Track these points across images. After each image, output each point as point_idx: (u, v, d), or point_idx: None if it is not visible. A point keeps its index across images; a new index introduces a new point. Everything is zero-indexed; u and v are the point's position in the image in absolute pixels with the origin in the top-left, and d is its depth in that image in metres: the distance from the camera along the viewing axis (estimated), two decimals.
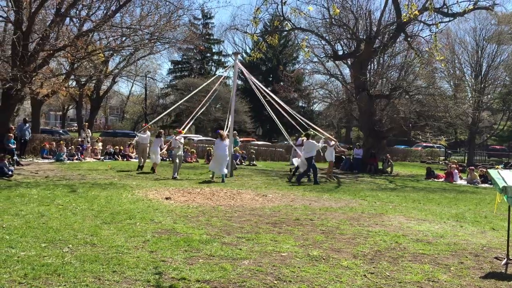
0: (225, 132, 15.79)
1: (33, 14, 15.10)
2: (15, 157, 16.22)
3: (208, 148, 25.54)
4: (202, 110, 19.56)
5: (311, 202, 11.27)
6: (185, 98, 23.19)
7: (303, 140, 17.09)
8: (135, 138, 20.18)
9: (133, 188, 12.00)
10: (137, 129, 55.00)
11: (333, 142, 18.15)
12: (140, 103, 58.62)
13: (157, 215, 8.46)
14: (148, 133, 18.74)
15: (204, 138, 33.15)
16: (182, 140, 16.42)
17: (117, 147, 23.49)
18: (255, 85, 18.59)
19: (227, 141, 15.41)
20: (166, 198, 10.52)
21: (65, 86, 21.69)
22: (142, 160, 17.77)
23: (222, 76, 23.60)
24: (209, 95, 19.52)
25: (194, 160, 24.38)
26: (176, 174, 15.42)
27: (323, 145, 17.85)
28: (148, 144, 18.17)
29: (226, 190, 12.75)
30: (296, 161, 17.19)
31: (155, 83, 54.55)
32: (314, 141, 16.29)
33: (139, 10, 20.59)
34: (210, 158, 23.94)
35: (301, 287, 5.06)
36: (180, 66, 60.58)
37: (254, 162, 24.88)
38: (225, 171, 15.22)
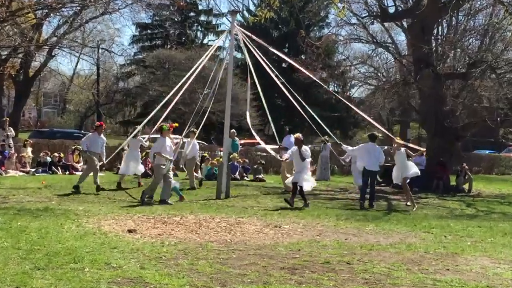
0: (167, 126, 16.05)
1: None
2: None
3: (204, 154, 25.54)
4: (180, 95, 19.50)
5: (348, 236, 11.23)
6: (183, 85, 23.19)
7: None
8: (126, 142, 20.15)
9: (79, 216, 12.00)
10: (85, 126, 55.19)
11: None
12: (89, 88, 58.84)
13: (115, 256, 8.46)
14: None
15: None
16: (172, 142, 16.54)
17: (55, 154, 23.59)
18: (262, 59, 18.59)
19: (168, 141, 15.87)
20: (130, 231, 10.52)
21: None
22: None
23: (213, 46, 23.58)
24: (190, 72, 19.45)
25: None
26: (166, 196, 15.45)
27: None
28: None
29: (220, 218, 12.72)
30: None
31: (112, 57, 54.77)
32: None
33: None
34: (200, 168, 24.02)
35: None
36: (149, 32, 60.86)
37: (262, 176, 24.89)
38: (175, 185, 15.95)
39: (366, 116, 19.70)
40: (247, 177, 24.62)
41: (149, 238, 10.01)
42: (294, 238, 10.76)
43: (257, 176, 24.67)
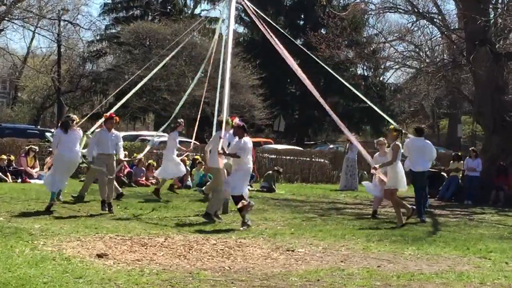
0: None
1: None
2: None
3: (184, 158, 25.56)
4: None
5: (382, 262, 11.24)
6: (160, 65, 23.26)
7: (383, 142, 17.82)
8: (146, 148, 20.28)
9: (35, 237, 12.02)
10: (43, 121, 55.05)
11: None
12: (48, 72, 58.94)
13: None
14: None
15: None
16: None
17: (3, 156, 23.63)
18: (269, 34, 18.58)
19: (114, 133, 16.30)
20: (99, 256, 10.53)
21: None
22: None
23: (206, 18, 23.60)
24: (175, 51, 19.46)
25: (154, 179, 24.43)
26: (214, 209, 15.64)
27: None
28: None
29: (216, 239, 12.74)
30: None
31: (77, 32, 54.89)
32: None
33: None
34: (190, 174, 24.11)
35: None
36: None
37: (274, 186, 24.91)
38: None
39: (377, 109, 19.56)
40: (251, 186, 24.61)
41: (125, 265, 10.02)
42: (312, 265, 10.78)
43: (266, 185, 24.63)
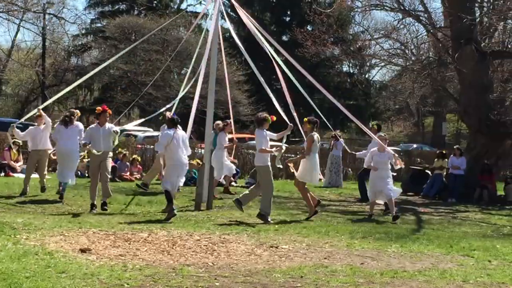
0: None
1: None
2: None
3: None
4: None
5: (365, 259, 11.25)
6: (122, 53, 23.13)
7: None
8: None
9: (17, 231, 11.98)
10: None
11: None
12: (32, 65, 58.73)
13: (63, 283, 8.45)
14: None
15: (156, 133, 33.17)
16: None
17: None
18: (259, 31, 18.57)
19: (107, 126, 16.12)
20: (82, 251, 10.51)
21: None
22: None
23: (192, 13, 23.57)
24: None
25: (138, 174, 24.42)
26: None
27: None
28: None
29: (200, 235, 12.73)
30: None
31: (62, 25, 54.69)
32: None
33: None
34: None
35: None
36: None
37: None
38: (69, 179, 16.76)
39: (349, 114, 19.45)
40: (236, 183, 24.59)
41: (108, 260, 10.00)
42: (295, 261, 10.78)
43: (250, 180, 24.61)
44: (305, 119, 16.70)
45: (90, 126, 16.95)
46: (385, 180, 16.85)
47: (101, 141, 16.05)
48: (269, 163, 15.79)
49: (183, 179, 15.98)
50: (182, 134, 15.69)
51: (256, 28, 18.83)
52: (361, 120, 55.83)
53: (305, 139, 16.56)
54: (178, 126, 15.62)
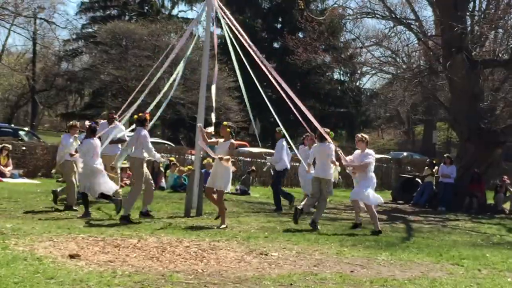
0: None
1: None
2: None
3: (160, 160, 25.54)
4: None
5: (355, 267, 11.25)
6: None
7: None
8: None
9: (6, 236, 11.94)
10: (17, 119, 54.69)
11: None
12: (23, 70, 58.65)
13: None
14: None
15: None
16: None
17: None
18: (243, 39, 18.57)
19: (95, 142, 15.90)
20: (71, 256, 10.47)
21: None
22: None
23: (183, 19, 23.56)
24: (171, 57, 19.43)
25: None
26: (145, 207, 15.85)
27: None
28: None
29: (189, 241, 12.71)
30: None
31: (53, 30, 54.66)
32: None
33: None
34: (164, 176, 24.14)
35: None
36: None
37: (247, 189, 24.90)
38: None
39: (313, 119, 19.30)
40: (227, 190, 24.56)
41: (97, 266, 9.97)
42: (285, 269, 10.77)
43: (240, 188, 24.59)
44: (224, 123, 16.54)
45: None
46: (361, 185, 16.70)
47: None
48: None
49: (101, 185, 16.03)
50: (98, 143, 16.10)
51: (241, 34, 18.81)
52: (352, 127, 56.02)
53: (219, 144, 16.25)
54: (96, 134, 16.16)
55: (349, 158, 16.91)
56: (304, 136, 20.35)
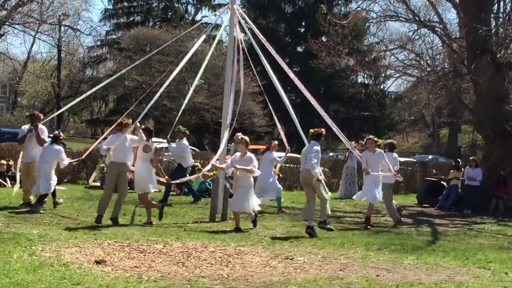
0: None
1: None
2: None
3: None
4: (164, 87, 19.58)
5: (381, 271, 11.21)
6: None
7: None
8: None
9: (33, 242, 12.00)
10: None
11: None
12: (48, 77, 59.01)
13: None
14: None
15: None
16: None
17: (3, 161, 23.62)
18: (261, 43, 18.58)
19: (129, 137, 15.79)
20: (97, 262, 10.52)
21: None
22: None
23: (208, 24, 23.61)
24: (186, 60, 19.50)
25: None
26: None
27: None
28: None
29: (215, 247, 12.72)
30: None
31: (77, 37, 54.96)
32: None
33: None
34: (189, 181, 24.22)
35: None
36: (126, 5, 60.91)
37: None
38: None
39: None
40: None
41: (123, 272, 10.01)
42: (311, 273, 10.77)
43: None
44: (137, 124, 16.50)
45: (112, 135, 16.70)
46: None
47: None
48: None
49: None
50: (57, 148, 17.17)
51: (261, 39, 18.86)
52: (376, 130, 55.91)
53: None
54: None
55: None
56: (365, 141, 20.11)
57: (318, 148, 15.96)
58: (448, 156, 52.93)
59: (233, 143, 20.34)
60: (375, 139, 17.88)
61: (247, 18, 19.13)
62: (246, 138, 15.90)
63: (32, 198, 17.38)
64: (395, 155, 18.62)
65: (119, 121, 16.14)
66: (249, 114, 44.89)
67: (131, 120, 16.32)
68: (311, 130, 16.36)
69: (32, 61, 64.95)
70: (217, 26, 33.73)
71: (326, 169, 31.03)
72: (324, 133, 16.40)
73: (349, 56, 36.29)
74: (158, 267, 10.57)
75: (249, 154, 15.67)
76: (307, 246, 13.51)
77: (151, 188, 16.06)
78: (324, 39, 38.61)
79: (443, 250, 14.01)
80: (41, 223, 14.84)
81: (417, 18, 29.62)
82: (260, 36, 18.99)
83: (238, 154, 15.71)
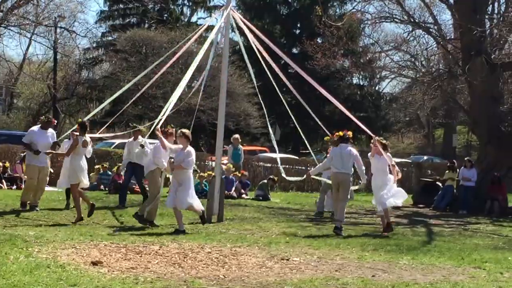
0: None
1: None
2: None
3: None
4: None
5: (376, 272, 11.22)
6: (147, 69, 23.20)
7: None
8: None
9: (29, 244, 12.00)
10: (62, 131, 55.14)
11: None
12: (44, 79, 58.93)
13: None
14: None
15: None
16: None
17: None
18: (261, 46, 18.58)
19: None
20: (94, 263, 10.51)
21: None
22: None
23: (203, 26, 23.60)
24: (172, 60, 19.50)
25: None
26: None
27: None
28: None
29: (211, 247, 12.73)
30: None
31: (73, 39, 54.87)
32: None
33: None
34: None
35: None
36: (122, 7, 60.84)
37: (268, 194, 24.85)
38: None
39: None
40: (246, 195, 24.58)
41: (119, 273, 10.01)
42: (306, 274, 10.78)
43: (261, 194, 24.54)
44: (79, 119, 16.78)
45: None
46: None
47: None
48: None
49: None
50: None
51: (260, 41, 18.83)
52: (372, 131, 55.91)
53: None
54: None
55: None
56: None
57: (356, 152, 16.33)
58: (443, 156, 52.99)
59: (230, 145, 20.43)
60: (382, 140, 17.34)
61: (245, 21, 19.07)
62: (187, 132, 15.47)
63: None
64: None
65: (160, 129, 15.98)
66: (245, 115, 44.92)
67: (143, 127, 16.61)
68: (340, 133, 16.33)
69: (28, 63, 64.84)
70: (213, 28, 33.72)
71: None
72: (351, 135, 16.49)
73: (345, 57, 36.28)
74: (155, 268, 10.57)
75: (188, 148, 15.16)
76: (303, 247, 13.52)
77: (84, 181, 16.26)
78: (319, 40, 38.68)
79: (439, 250, 14.05)
80: (37, 224, 14.84)
81: (412, 19, 29.63)
82: (254, 40, 18.94)
83: (180, 147, 15.36)
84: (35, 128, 18.11)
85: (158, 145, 15.77)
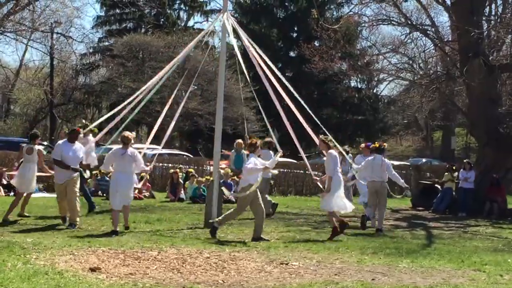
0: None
1: None
2: None
3: (175, 170, 25.58)
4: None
5: (376, 275, 11.22)
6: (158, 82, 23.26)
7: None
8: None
9: (27, 250, 11.99)
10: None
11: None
12: (41, 84, 58.97)
13: None
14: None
15: (166, 151, 33.21)
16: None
17: None
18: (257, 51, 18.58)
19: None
20: (92, 270, 10.50)
21: None
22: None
23: (201, 31, 23.61)
24: (172, 63, 19.48)
25: (147, 192, 24.41)
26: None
27: None
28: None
29: (209, 252, 12.72)
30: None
31: (69, 44, 54.90)
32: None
33: None
34: (183, 187, 24.29)
35: None
36: (118, 12, 60.91)
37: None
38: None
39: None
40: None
41: (118, 279, 10.01)
42: (306, 278, 10.78)
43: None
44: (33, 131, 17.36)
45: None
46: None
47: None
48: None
49: None
50: None
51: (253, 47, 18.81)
52: (370, 134, 55.85)
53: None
54: None
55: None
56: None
57: (388, 162, 17.59)
58: (441, 159, 52.97)
59: (232, 150, 20.42)
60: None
61: (236, 28, 19.05)
62: (131, 134, 15.50)
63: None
64: (271, 152, 18.71)
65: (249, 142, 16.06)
66: (243, 119, 44.84)
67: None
68: (376, 144, 17.66)
69: (24, 69, 64.87)
70: (210, 33, 33.80)
71: (320, 173, 31.03)
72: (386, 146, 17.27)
73: (342, 60, 36.35)
74: (153, 273, 10.57)
75: (131, 150, 15.22)
76: (302, 251, 13.52)
77: (31, 189, 17.46)
78: (316, 43, 38.59)
79: (438, 253, 14.04)
80: (34, 231, 14.83)
81: (409, 22, 29.67)
82: (250, 45, 18.92)
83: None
84: (61, 142, 16.64)
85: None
